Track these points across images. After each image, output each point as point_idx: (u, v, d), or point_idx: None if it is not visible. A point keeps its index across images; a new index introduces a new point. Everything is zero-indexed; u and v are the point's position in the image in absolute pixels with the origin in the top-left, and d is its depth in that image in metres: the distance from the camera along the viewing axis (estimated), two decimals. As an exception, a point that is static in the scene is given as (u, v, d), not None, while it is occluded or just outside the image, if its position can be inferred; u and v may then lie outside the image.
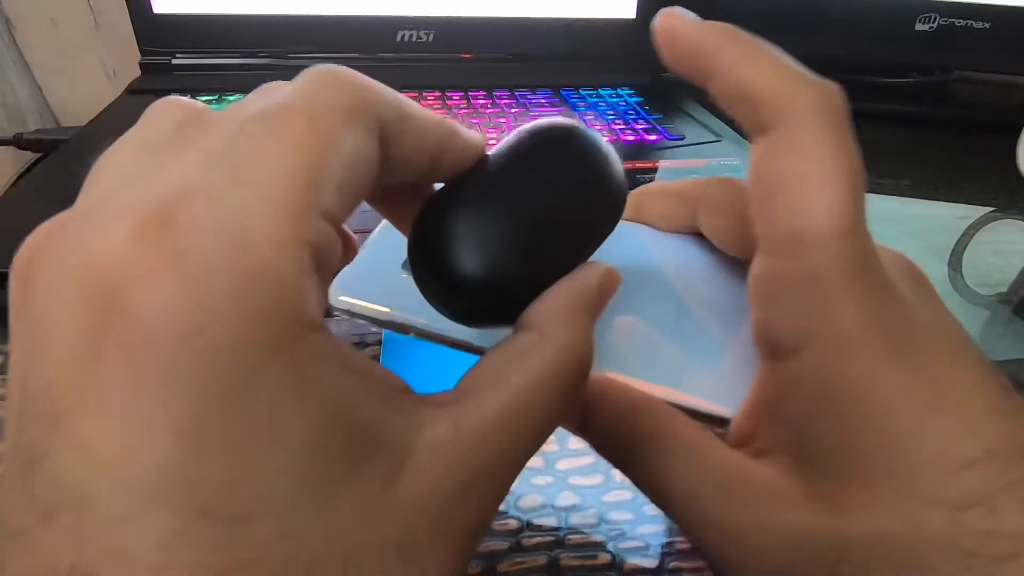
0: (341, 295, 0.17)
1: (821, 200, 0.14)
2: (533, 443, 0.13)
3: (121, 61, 0.60)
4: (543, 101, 0.52)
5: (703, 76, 0.15)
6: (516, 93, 0.53)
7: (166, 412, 0.09)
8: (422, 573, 0.11)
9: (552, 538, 0.21)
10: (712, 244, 0.19)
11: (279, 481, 0.10)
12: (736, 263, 0.19)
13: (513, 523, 0.21)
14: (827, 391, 0.14)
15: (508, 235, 0.14)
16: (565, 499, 0.22)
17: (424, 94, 0.52)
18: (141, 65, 0.52)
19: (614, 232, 0.16)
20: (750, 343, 0.16)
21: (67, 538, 0.09)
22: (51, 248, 0.11)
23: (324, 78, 0.12)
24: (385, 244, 0.18)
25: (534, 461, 0.22)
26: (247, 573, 0.09)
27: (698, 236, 0.19)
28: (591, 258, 0.16)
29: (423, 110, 0.14)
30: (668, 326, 0.17)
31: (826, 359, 0.14)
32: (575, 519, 0.21)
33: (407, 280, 0.16)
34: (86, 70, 0.61)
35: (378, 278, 0.17)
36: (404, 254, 0.15)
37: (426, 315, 0.16)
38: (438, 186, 0.16)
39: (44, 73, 0.61)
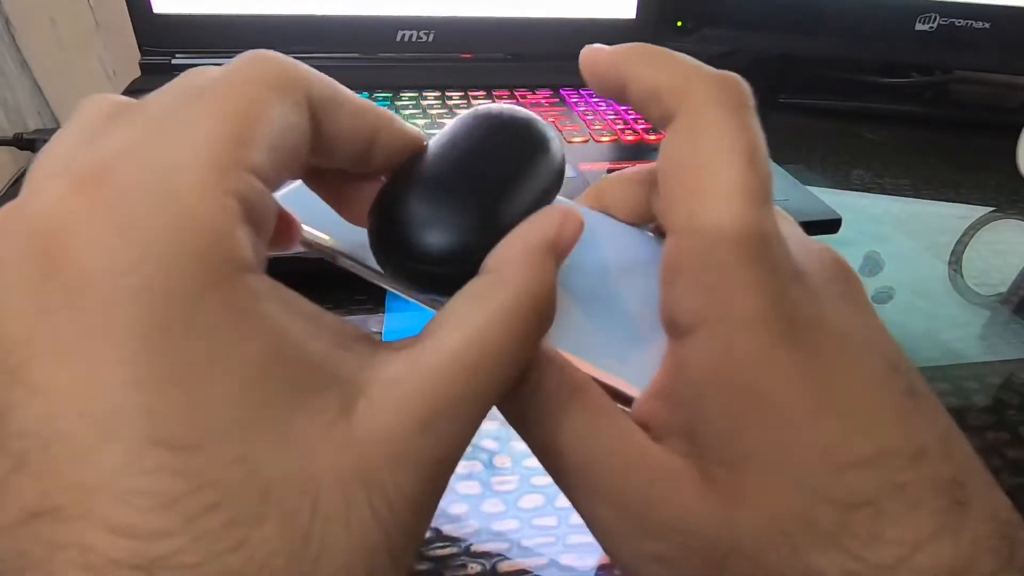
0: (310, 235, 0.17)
1: (718, 179, 0.14)
2: (494, 382, 0.13)
3: (121, 61, 0.60)
4: (543, 101, 0.52)
5: (620, 88, 0.16)
6: (516, 93, 0.53)
7: (113, 349, 0.10)
8: (386, 502, 0.11)
9: (552, 538, 0.21)
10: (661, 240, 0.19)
11: (228, 410, 0.10)
12: None
13: (513, 523, 0.21)
14: (717, 374, 0.14)
15: (469, 205, 0.15)
16: (565, 499, 0.22)
17: (424, 94, 0.52)
18: (141, 65, 0.52)
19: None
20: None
21: (35, 479, 0.10)
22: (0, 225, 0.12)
23: (252, 58, 0.13)
24: None
25: (534, 461, 0.22)
26: (204, 497, 0.10)
27: (655, 231, 0.19)
28: None
29: (358, 96, 0.15)
30: (595, 306, 0.17)
31: (717, 341, 0.14)
32: (575, 519, 0.21)
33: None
34: (86, 70, 0.61)
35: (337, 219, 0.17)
36: None
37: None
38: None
39: (44, 73, 0.61)
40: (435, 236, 0.14)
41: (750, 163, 0.14)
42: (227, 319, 0.11)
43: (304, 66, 0.13)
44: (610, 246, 0.19)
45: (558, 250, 0.15)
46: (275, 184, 0.13)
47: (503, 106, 0.17)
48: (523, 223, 0.15)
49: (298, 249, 0.17)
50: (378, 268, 0.16)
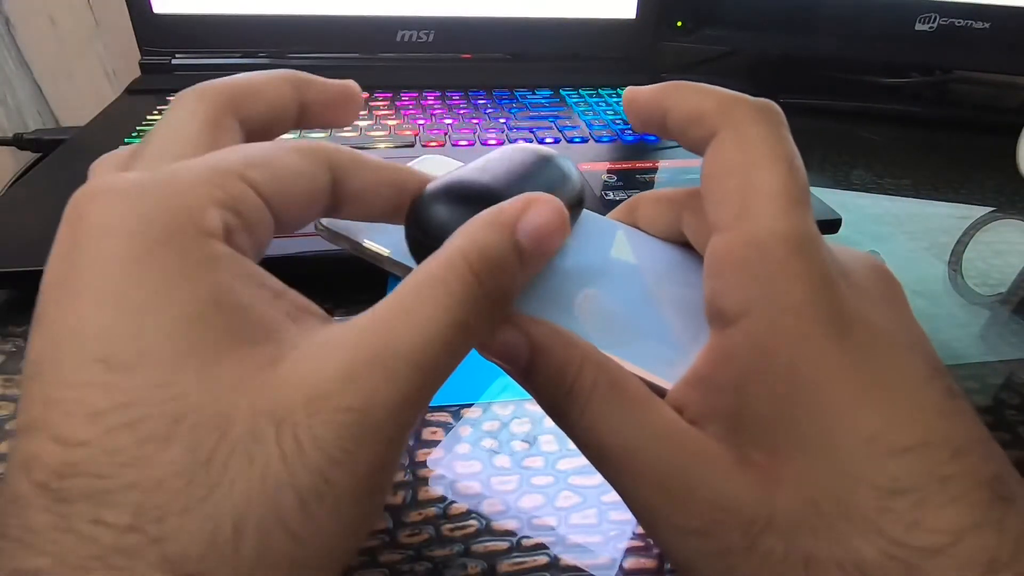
0: (323, 219, 0.20)
1: (763, 182, 0.15)
2: (427, 335, 0.13)
3: (121, 61, 0.61)
4: (543, 101, 0.52)
5: (661, 117, 0.18)
6: (516, 93, 0.53)
7: (93, 281, 0.12)
8: (295, 441, 0.12)
9: (552, 538, 0.21)
10: (691, 252, 0.20)
11: (163, 340, 0.12)
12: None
13: (513, 523, 0.21)
14: (764, 359, 0.14)
15: (485, 194, 0.17)
16: (565, 499, 0.22)
17: (424, 94, 0.52)
18: (141, 65, 0.52)
19: (605, 227, 0.20)
20: (703, 330, 0.17)
21: (26, 400, 0.12)
22: None
23: (299, 144, 0.16)
24: None
25: (534, 461, 0.22)
26: (123, 414, 0.11)
27: (684, 245, 0.20)
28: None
29: (380, 159, 0.17)
30: (628, 308, 0.19)
31: (764, 327, 0.14)
32: (575, 519, 0.21)
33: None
34: (86, 70, 0.62)
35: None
36: None
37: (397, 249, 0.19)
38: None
39: (44, 73, 0.61)
40: (449, 221, 0.16)
41: (790, 170, 0.16)
42: (182, 265, 0.12)
43: (331, 144, 0.16)
44: (640, 255, 0.20)
45: (516, 227, 0.15)
46: (277, 205, 0.15)
47: (532, 145, 0.20)
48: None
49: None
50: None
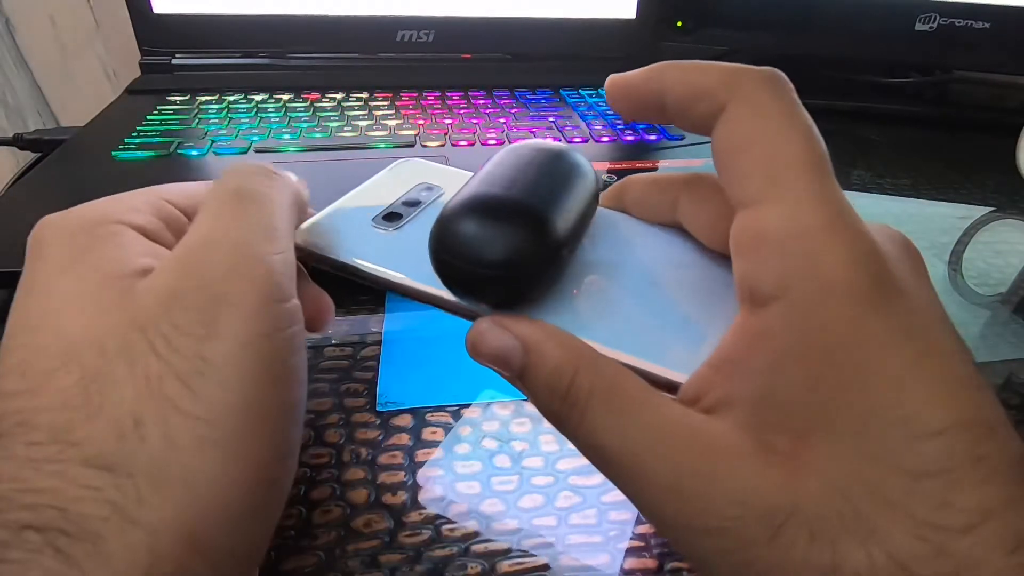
0: (305, 238, 0.19)
1: (786, 153, 0.15)
2: (239, 232, 0.16)
3: (121, 61, 0.61)
4: (543, 101, 0.52)
5: (659, 102, 0.17)
6: (516, 93, 0.53)
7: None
8: (162, 337, 0.15)
9: (552, 538, 0.21)
10: (689, 237, 0.19)
11: (61, 307, 0.16)
12: (709, 252, 0.19)
13: (513, 523, 0.21)
14: (804, 339, 0.14)
15: (522, 227, 0.16)
16: (565, 499, 0.22)
17: (424, 94, 0.52)
18: (141, 65, 0.52)
19: (598, 217, 0.19)
20: (711, 317, 0.16)
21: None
22: None
23: None
24: (356, 203, 0.21)
25: (534, 461, 0.22)
26: (34, 363, 0.15)
27: (678, 229, 0.20)
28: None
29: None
30: (629, 300, 0.18)
31: (807, 306, 0.14)
32: (575, 519, 0.21)
33: (376, 233, 0.20)
34: (86, 70, 0.62)
35: (347, 230, 0.20)
36: (374, 211, 0.20)
37: (393, 265, 0.19)
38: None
39: (44, 73, 0.61)
40: (488, 244, 0.15)
41: (811, 139, 0.15)
42: (95, 244, 0.16)
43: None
44: (637, 244, 0.19)
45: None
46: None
47: (537, 140, 0.19)
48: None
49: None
50: (434, 291, 0.18)
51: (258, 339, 0.15)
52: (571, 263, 0.18)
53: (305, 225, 0.20)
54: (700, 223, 0.19)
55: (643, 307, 0.17)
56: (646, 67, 0.17)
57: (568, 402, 0.15)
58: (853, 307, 0.13)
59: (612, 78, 0.18)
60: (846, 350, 0.13)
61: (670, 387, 0.16)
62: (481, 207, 0.16)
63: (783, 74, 0.16)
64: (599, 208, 0.20)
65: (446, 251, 0.16)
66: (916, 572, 0.12)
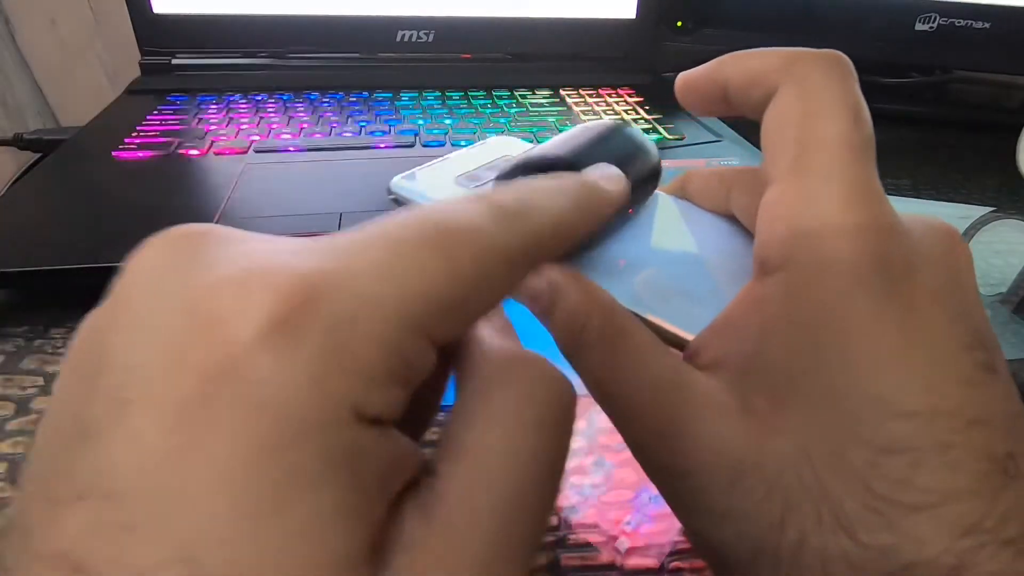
0: (396, 186, 0.21)
1: (823, 132, 0.15)
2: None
3: (121, 61, 0.61)
4: (543, 101, 0.52)
5: (722, 92, 0.17)
6: (516, 93, 0.53)
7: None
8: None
9: (552, 538, 0.21)
10: (738, 224, 0.20)
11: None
12: (751, 238, 0.19)
13: (513, 523, 0.21)
14: (794, 308, 0.14)
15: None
16: (565, 499, 0.22)
17: (424, 94, 0.52)
18: (141, 65, 0.52)
19: (656, 198, 0.21)
20: (733, 290, 0.17)
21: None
22: None
23: None
24: (446, 166, 0.23)
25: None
26: None
27: (730, 218, 0.21)
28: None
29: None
30: (663, 266, 0.19)
31: (803, 278, 0.14)
32: (575, 519, 0.21)
33: (455, 189, 0.22)
34: (86, 70, 0.62)
35: (432, 185, 0.22)
36: (459, 172, 0.22)
37: None
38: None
39: (44, 73, 0.61)
40: None
41: (854, 119, 0.15)
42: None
43: None
44: (686, 224, 0.21)
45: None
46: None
47: (608, 119, 0.21)
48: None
49: None
50: None
51: None
52: (619, 229, 0.20)
53: (400, 176, 0.22)
54: (747, 211, 0.19)
55: (672, 276, 0.19)
56: (710, 61, 0.18)
57: (579, 342, 0.16)
58: (849, 284, 0.14)
59: (680, 76, 0.18)
60: (833, 325, 0.13)
61: (679, 344, 0.17)
62: (529, 163, 0.18)
63: (844, 57, 0.16)
64: (661, 194, 0.22)
65: None
66: (860, 539, 0.12)
